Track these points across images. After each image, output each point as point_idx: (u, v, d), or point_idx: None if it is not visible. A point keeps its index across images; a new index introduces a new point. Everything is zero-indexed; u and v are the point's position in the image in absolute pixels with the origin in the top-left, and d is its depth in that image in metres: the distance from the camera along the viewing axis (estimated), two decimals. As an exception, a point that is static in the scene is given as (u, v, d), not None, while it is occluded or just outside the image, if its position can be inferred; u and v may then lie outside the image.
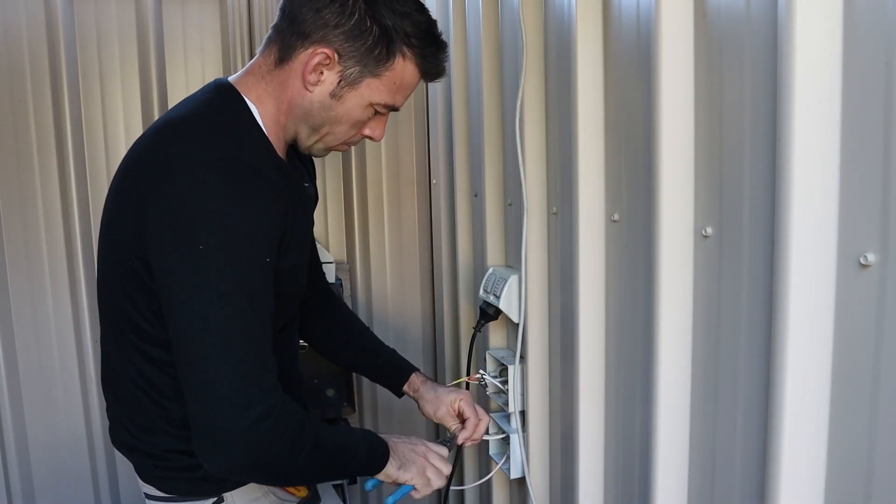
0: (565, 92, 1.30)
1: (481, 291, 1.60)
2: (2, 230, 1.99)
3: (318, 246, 2.11)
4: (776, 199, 0.82)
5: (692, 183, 1.02)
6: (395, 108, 1.14)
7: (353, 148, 2.18)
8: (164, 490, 1.17)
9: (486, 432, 1.55)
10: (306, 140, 1.13)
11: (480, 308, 1.60)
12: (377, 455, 1.17)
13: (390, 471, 1.18)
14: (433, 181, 2.15)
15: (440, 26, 1.19)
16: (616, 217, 1.22)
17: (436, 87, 2.02)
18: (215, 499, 1.16)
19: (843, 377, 0.80)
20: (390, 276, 2.27)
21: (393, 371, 1.46)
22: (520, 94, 1.41)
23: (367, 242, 2.24)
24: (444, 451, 1.28)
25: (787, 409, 0.83)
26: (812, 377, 0.82)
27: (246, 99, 1.08)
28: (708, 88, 0.97)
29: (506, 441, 1.58)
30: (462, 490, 2.03)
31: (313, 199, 1.25)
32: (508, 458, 1.57)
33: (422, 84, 2.16)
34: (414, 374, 1.45)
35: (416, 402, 1.44)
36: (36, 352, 2.06)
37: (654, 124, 1.02)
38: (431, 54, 1.10)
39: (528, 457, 1.54)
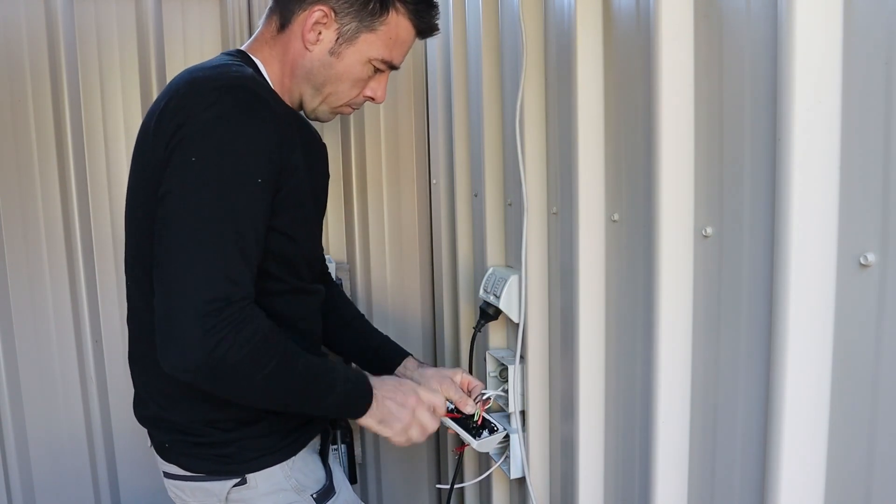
0: (565, 92, 1.29)
1: (481, 291, 1.60)
2: (2, 230, 1.99)
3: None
4: (776, 198, 0.82)
5: (692, 183, 1.02)
6: (393, 66, 1.18)
7: (353, 148, 2.20)
8: (187, 468, 1.16)
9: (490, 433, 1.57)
10: (311, 101, 1.18)
11: (480, 308, 1.60)
12: (356, 403, 1.14)
13: (369, 422, 1.16)
14: (433, 181, 2.15)
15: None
16: (616, 217, 1.22)
17: (436, 87, 2.02)
18: (238, 479, 1.15)
19: (843, 377, 0.80)
20: (390, 275, 2.27)
21: (388, 353, 1.46)
22: (520, 94, 1.41)
23: (367, 242, 2.24)
24: (438, 399, 1.25)
25: (787, 408, 0.83)
26: (812, 377, 0.82)
27: (254, 58, 1.15)
28: (708, 88, 0.97)
29: (506, 440, 1.58)
30: (462, 489, 2.03)
31: (325, 148, 1.26)
32: (508, 457, 1.57)
33: (422, 84, 2.19)
34: (409, 358, 1.45)
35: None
36: (36, 352, 2.05)
37: (654, 124, 1.02)
38: (424, 10, 1.15)
39: (528, 457, 1.54)
